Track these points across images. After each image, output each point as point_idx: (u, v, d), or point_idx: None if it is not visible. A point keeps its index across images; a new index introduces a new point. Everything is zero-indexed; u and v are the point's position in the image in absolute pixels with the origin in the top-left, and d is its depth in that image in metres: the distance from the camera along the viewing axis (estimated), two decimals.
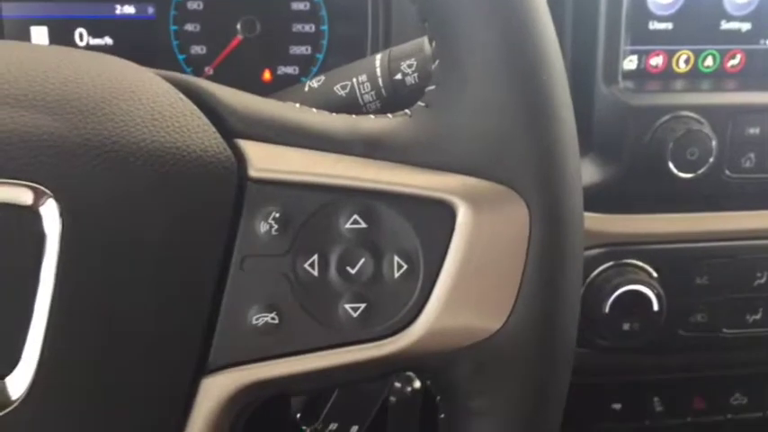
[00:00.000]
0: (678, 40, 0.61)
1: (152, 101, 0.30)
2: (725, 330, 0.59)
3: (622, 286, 0.55)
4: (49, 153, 0.27)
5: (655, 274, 0.57)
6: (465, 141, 0.32)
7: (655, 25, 0.60)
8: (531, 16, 0.32)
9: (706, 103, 0.58)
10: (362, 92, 0.47)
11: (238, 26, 0.64)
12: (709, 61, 0.62)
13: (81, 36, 0.63)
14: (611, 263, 0.57)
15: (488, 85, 0.32)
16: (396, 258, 0.32)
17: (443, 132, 0.32)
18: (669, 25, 0.60)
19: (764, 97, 0.59)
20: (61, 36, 0.63)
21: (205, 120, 0.31)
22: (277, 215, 0.30)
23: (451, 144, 0.32)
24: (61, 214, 0.27)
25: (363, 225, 0.31)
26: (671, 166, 0.55)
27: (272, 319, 0.30)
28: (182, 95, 0.31)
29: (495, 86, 0.32)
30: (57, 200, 0.27)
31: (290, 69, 0.67)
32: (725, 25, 0.61)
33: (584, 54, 0.57)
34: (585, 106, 0.58)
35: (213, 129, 0.31)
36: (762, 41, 0.62)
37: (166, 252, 0.29)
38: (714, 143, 0.56)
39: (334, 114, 0.34)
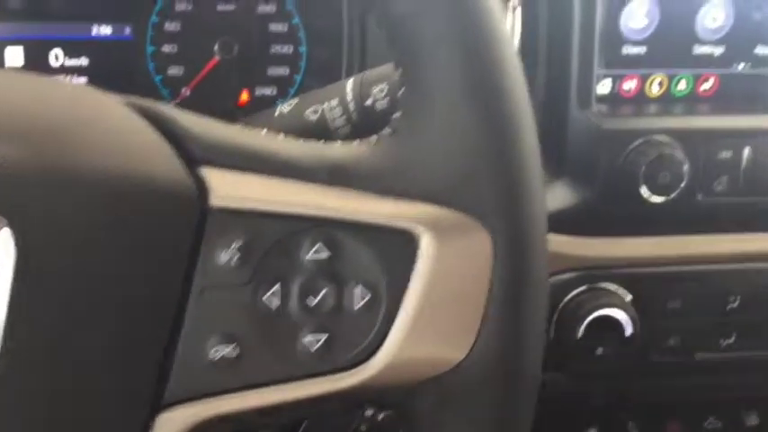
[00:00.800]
0: (651, 63, 0.61)
1: (114, 128, 0.30)
2: (698, 355, 0.60)
3: (595, 311, 0.55)
4: (5, 180, 0.27)
5: (628, 298, 0.57)
6: (429, 170, 0.32)
7: (628, 49, 0.61)
8: (495, 45, 0.32)
9: (679, 127, 0.58)
10: (333, 117, 0.47)
11: (216, 47, 0.65)
12: (682, 85, 0.62)
13: (57, 57, 0.63)
14: (584, 287, 0.57)
15: (452, 113, 0.32)
16: (358, 288, 0.31)
17: (408, 160, 0.32)
18: (642, 49, 0.61)
19: (737, 121, 0.59)
20: (37, 56, 0.62)
21: (168, 147, 0.31)
22: (239, 245, 0.30)
23: (416, 172, 0.32)
24: (16, 243, 0.27)
25: (326, 255, 0.31)
26: (643, 189, 0.56)
27: (232, 350, 0.30)
28: (145, 122, 0.31)
29: (459, 115, 0.32)
30: (11, 228, 0.27)
31: (267, 90, 0.67)
32: (698, 49, 0.62)
33: (558, 78, 0.58)
34: (559, 130, 0.58)
35: (176, 156, 0.30)
36: (735, 65, 0.62)
37: (123, 282, 0.29)
38: (686, 167, 0.56)
39: (299, 141, 0.34)
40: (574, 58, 0.57)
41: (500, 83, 0.32)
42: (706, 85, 0.63)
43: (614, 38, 0.60)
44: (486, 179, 0.32)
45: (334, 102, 0.47)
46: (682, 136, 0.57)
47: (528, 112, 0.33)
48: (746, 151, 0.59)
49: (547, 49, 0.57)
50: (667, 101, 0.62)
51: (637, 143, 0.57)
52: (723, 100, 0.63)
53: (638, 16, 0.59)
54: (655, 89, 0.62)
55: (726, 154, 0.58)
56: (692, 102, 0.62)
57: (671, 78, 0.62)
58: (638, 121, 0.58)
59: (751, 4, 0.61)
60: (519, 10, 0.56)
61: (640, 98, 0.62)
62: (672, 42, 0.61)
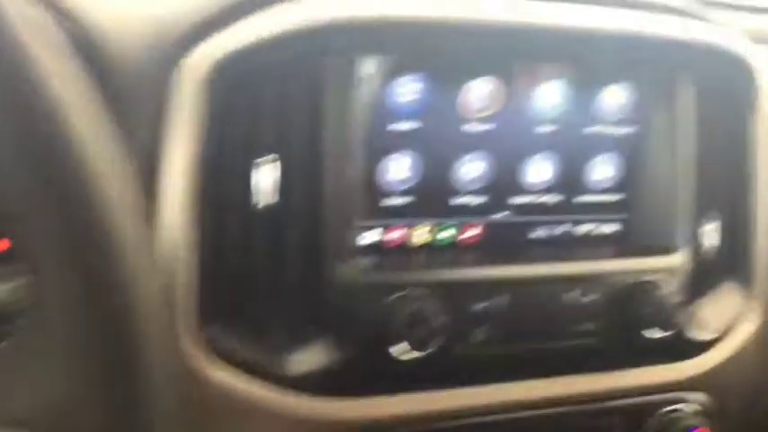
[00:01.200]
0: (415, 214, 0.62)
1: None
2: None
3: None
4: None
5: None
6: None
7: (389, 201, 0.61)
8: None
9: (435, 279, 0.58)
10: None
11: None
12: (446, 234, 0.63)
13: None
14: None
15: None
16: None
17: None
18: (405, 200, 0.61)
19: (495, 271, 0.60)
20: None
21: None
22: None
23: None
24: None
25: None
26: (400, 346, 0.55)
27: None
28: None
29: None
30: None
31: None
32: (460, 199, 0.63)
33: (313, 234, 0.57)
34: (317, 286, 0.57)
35: None
36: (495, 214, 0.64)
37: None
38: (444, 319, 0.56)
39: None
40: (329, 213, 0.56)
41: None
42: (470, 233, 0.64)
43: (374, 191, 0.60)
44: None
45: None
46: (439, 288, 0.58)
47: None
48: (504, 300, 0.60)
49: (300, 205, 0.56)
50: (432, 250, 0.63)
51: (395, 297, 0.56)
52: (487, 248, 0.64)
53: (398, 169, 0.60)
54: (420, 238, 0.63)
55: (484, 304, 0.59)
56: (456, 251, 0.63)
57: (435, 228, 0.63)
58: (398, 275, 0.58)
59: (508, 157, 0.63)
60: (269, 167, 0.55)
61: (405, 249, 0.62)
62: (434, 193, 0.62)
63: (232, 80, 0.53)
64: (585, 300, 0.61)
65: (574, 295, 0.61)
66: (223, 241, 0.55)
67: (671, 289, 0.64)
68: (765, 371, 0.75)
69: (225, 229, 0.55)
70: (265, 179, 0.55)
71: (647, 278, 0.63)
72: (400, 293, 0.56)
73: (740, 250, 0.71)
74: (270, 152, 0.55)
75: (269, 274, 0.57)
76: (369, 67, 0.57)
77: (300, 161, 0.56)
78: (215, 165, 0.53)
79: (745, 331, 0.71)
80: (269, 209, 0.55)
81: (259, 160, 0.55)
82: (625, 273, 0.63)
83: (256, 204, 0.55)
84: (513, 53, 0.60)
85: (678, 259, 0.65)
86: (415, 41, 0.56)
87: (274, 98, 0.55)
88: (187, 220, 0.52)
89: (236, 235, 0.55)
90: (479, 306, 0.59)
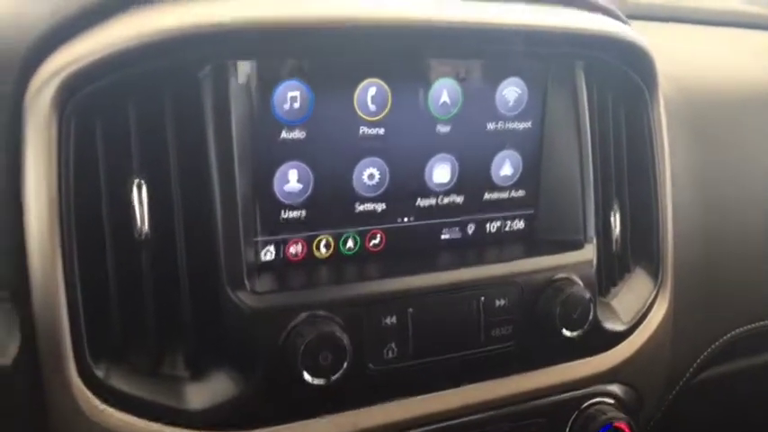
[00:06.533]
0: (315, 225, 0.59)
1: None
2: None
3: None
4: None
5: None
6: None
7: (286, 214, 0.57)
8: None
9: (342, 296, 0.55)
10: None
11: None
12: (350, 243, 0.60)
13: None
14: None
15: None
16: None
17: None
18: (303, 212, 0.58)
19: (404, 282, 0.58)
20: None
21: None
22: None
23: None
24: None
25: None
26: (305, 374, 0.51)
27: None
28: None
29: None
30: None
31: None
32: (360, 207, 0.60)
33: (205, 257, 0.52)
34: (214, 314, 0.53)
35: None
36: (399, 220, 0.62)
37: None
38: (347, 342, 0.53)
39: None
40: (220, 234, 0.52)
41: None
42: (374, 241, 0.61)
43: (271, 204, 0.56)
44: None
45: None
46: (345, 306, 0.54)
47: None
48: (415, 311, 0.57)
49: (188, 228, 0.52)
50: (337, 261, 0.60)
51: (296, 321, 0.53)
52: (394, 254, 0.61)
53: (291, 179, 0.57)
54: (323, 250, 0.59)
55: (394, 318, 0.56)
56: (362, 260, 0.60)
57: (338, 238, 0.60)
58: (299, 296, 0.54)
59: (407, 159, 0.61)
60: (144, 190, 0.51)
61: (309, 261, 0.59)
62: (333, 203, 0.59)
63: (89, 98, 0.48)
64: (499, 303, 0.59)
65: (487, 300, 0.59)
66: (105, 273, 0.50)
67: (583, 284, 0.63)
68: (676, 354, 0.76)
69: (106, 261, 0.50)
70: (144, 204, 0.51)
71: (558, 275, 0.62)
72: (305, 315, 0.53)
73: (646, 237, 0.71)
74: (145, 174, 0.51)
75: (160, 304, 0.52)
76: (246, 74, 0.53)
77: (182, 180, 0.52)
78: (83, 193, 0.49)
79: (656, 317, 0.71)
80: (152, 235, 0.51)
81: (135, 184, 0.50)
82: (536, 272, 0.62)
83: (138, 231, 0.50)
84: (401, 53, 0.58)
85: (587, 253, 0.64)
86: (293, 44, 0.52)
87: (143, 115, 0.50)
88: (57, 256, 0.47)
89: (119, 266, 0.50)
90: (389, 320, 0.56)
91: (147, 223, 0.50)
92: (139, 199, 0.50)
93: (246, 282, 0.53)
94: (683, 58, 0.89)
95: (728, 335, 0.82)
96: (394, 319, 0.56)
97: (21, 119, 0.48)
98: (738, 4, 1.24)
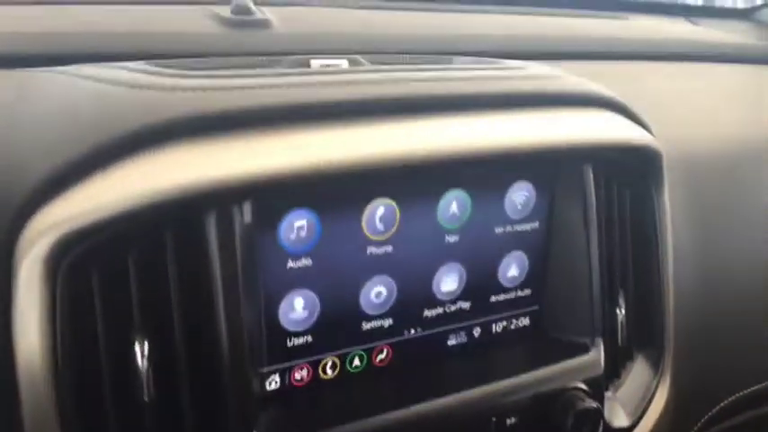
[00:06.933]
0: (321, 348, 0.56)
1: None
2: None
3: None
4: None
5: None
6: None
7: (294, 341, 0.55)
8: None
9: (350, 426, 0.53)
10: None
11: None
12: (357, 361, 0.58)
13: None
14: None
15: None
16: None
17: None
18: (309, 337, 0.55)
19: (408, 410, 0.55)
20: None
21: None
22: None
23: None
24: None
25: None
26: None
27: None
28: None
29: None
30: None
31: None
32: (367, 325, 0.58)
33: (212, 402, 0.50)
34: None
35: None
36: (405, 332, 0.60)
37: None
38: None
39: None
40: (225, 374, 0.49)
41: None
42: (381, 356, 0.59)
43: (276, 332, 0.54)
44: None
45: None
46: None
47: None
48: None
49: (191, 382, 0.49)
50: (344, 380, 0.58)
51: None
52: (402, 367, 0.59)
53: (296, 309, 0.54)
54: (329, 372, 0.57)
55: None
56: (369, 377, 0.58)
57: (344, 357, 0.58)
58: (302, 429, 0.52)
59: (415, 273, 0.58)
60: (146, 347, 0.47)
61: (315, 384, 0.57)
62: (339, 324, 0.56)
63: (86, 253, 0.45)
64: (510, 422, 0.58)
65: (498, 420, 0.58)
66: None
67: (592, 390, 0.62)
68: (675, 422, 0.76)
69: (108, 429, 0.47)
70: (147, 363, 0.47)
71: (568, 385, 0.61)
72: None
73: (649, 324, 0.70)
74: (148, 330, 0.47)
75: None
76: (252, 211, 0.50)
77: (187, 330, 0.49)
78: (80, 356, 0.45)
79: (659, 405, 0.70)
80: (157, 395, 0.48)
81: (137, 342, 0.47)
82: (546, 381, 0.60)
83: (142, 393, 0.47)
84: (411, 175, 0.55)
85: (595, 356, 0.63)
86: (296, 184, 0.49)
87: (144, 265, 0.47)
88: (55, 427, 0.44)
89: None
90: None
91: (152, 383, 0.47)
92: (142, 358, 0.47)
93: (252, 421, 0.50)
94: (674, 113, 0.88)
95: (729, 399, 0.82)
96: None
97: (10, 274, 0.45)
98: (687, 32, 1.18)
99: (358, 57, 0.64)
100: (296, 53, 0.75)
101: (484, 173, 0.58)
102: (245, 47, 0.76)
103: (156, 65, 0.58)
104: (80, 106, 0.50)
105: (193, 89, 0.50)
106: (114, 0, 0.81)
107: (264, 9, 0.83)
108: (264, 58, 0.65)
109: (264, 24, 0.79)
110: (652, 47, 1.04)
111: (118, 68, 0.56)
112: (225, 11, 0.80)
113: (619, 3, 1.19)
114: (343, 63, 0.64)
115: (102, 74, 0.55)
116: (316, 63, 0.63)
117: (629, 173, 0.66)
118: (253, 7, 0.81)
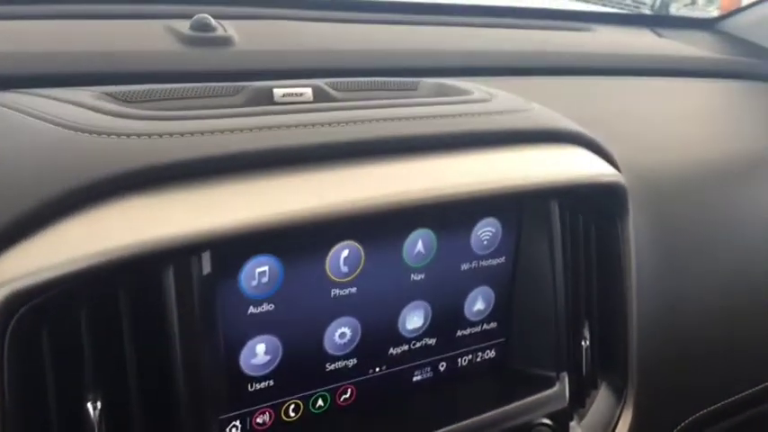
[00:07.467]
0: (284, 392, 0.55)
1: None
2: None
3: None
4: None
5: None
6: None
7: (255, 386, 0.53)
8: None
9: None
10: None
11: None
12: (320, 402, 0.57)
13: None
14: None
15: None
16: None
17: None
18: (271, 382, 0.54)
19: None
20: None
21: None
22: None
23: None
24: None
25: None
26: None
27: None
28: None
29: None
30: None
31: None
32: (330, 366, 0.57)
33: None
34: None
35: None
36: (370, 371, 0.59)
37: None
38: None
39: None
40: (184, 418, 0.48)
41: None
42: (345, 396, 0.58)
43: (236, 380, 0.52)
44: None
45: None
46: None
47: None
48: None
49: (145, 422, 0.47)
50: (306, 421, 0.56)
51: None
52: (366, 406, 0.58)
53: (257, 354, 0.53)
54: (291, 414, 0.56)
55: None
56: (333, 418, 0.57)
57: (306, 399, 0.56)
58: None
59: (380, 313, 0.57)
60: (99, 407, 0.45)
61: (278, 427, 0.55)
62: (302, 367, 0.55)
63: (36, 308, 0.43)
64: None
65: None
66: None
67: (557, 419, 0.62)
68: None
69: None
70: (100, 418, 0.46)
71: (533, 419, 0.61)
72: None
73: (614, 356, 0.70)
74: (100, 389, 0.46)
75: None
76: (211, 261, 0.48)
77: (142, 387, 0.47)
78: (30, 415, 0.43)
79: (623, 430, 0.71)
80: None
81: (90, 402, 0.45)
82: (512, 418, 0.60)
83: None
84: (370, 221, 0.53)
85: (560, 390, 0.63)
86: (258, 235, 0.48)
87: (97, 319, 0.45)
88: None
89: None
90: None
91: None
92: (95, 415, 0.45)
93: None
94: (638, 133, 0.88)
95: (690, 418, 0.83)
96: None
97: None
98: (652, 46, 1.17)
99: (321, 84, 0.63)
100: (258, 73, 0.73)
101: (450, 212, 0.57)
102: (205, 66, 0.74)
103: (109, 96, 0.55)
104: (24, 152, 0.48)
105: (148, 135, 0.48)
106: (68, 14, 0.78)
107: (226, 23, 0.81)
108: (225, 85, 0.63)
109: (225, 42, 0.77)
110: (617, 62, 1.04)
111: (66, 102, 0.54)
112: (184, 26, 0.78)
113: (584, 13, 1.19)
114: (307, 92, 0.62)
115: (49, 109, 0.52)
116: (278, 92, 0.61)
117: (594, 207, 0.66)
118: (213, 23, 0.78)
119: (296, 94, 0.61)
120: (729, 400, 0.86)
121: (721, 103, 1.08)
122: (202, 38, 0.77)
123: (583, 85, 0.97)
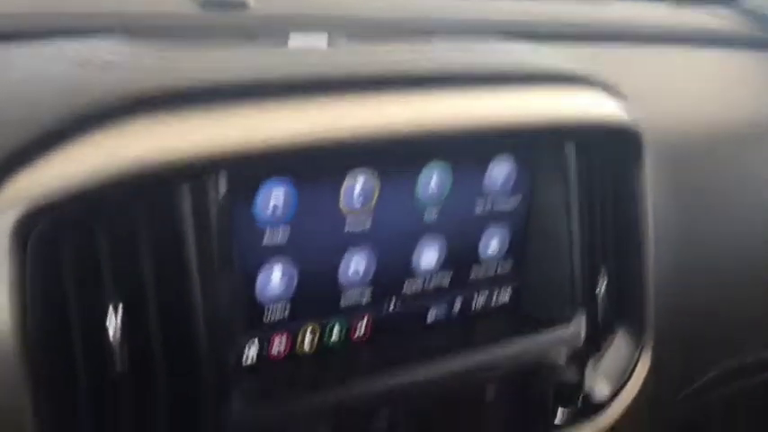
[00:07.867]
0: (299, 318, 0.56)
1: None
2: None
3: None
4: None
5: None
6: None
7: (271, 314, 0.54)
8: None
9: (329, 401, 0.53)
10: None
11: None
12: (335, 334, 0.58)
13: None
14: None
15: None
16: None
17: None
18: (287, 310, 0.55)
19: (391, 379, 0.55)
20: None
21: None
22: None
23: None
24: None
25: None
26: None
27: None
28: None
29: None
30: None
31: None
32: (346, 297, 0.57)
33: (186, 376, 0.49)
34: None
35: None
36: (385, 306, 0.59)
37: None
38: None
39: None
40: (201, 345, 0.49)
41: None
42: (360, 330, 0.59)
43: (253, 308, 0.53)
44: None
45: None
46: (332, 413, 0.52)
47: None
48: (404, 410, 0.55)
49: (164, 353, 0.48)
50: (322, 354, 0.57)
51: None
52: (381, 343, 0.59)
53: (273, 281, 0.54)
54: (307, 345, 0.57)
55: (384, 420, 0.54)
56: (349, 352, 0.58)
57: (322, 330, 0.57)
58: (281, 407, 0.52)
59: (395, 247, 0.58)
60: (120, 315, 0.47)
61: (293, 359, 0.56)
62: (318, 295, 0.56)
63: (54, 224, 0.44)
64: (490, 394, 0.58)
65: (477, 391, 0.58)
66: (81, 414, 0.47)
67: (573, 361, 0.62)
68: (657, 411, 0.76)
69: (78, 402, 0.46)
70: (120, 331, 0.47)
71: (548, 356, 0.61)
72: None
73: (630, 299, 0.70)
74: (120, 298, 0.47)
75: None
76: (227, 182, 0.49)
77: (159, 301, 0.48)
78: (51, 330, 0.45)
79: (640, 376, 0.70)
80: (130, 366, 0.47)
81: (110, 309, 0.46)
82: (526, 353, 0.60)
83: (115, 363, 0.47)
84: (385, 150, 0.54)
85: (575, 327, 0.63)
86: (274, 156, 0.49)
87: (114, 235, 0.46)
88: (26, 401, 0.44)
89: (95, 404, 0.47)
90: (380, 424, 0.54)
91: (125, 354, 0.47)
92: (115, 328, 0.46)
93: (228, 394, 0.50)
94: (658, 96, 0.88)
95: (710, 373, 0.83)
96: (385, 422, 0.54)
97: None
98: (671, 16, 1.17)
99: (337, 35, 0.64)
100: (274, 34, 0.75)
101: (466, 145, 0.58)
102: (221, 27, 0.76)
103: (130, 40, 0.57)
104: (48, 80, 0.49)
105: (167, 60, 0.49)
106: None
107: None
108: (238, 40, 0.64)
109: (241, 5, 0.79)
110: (636, 30, 1.04)
111: (87, 44, 0.56)
112: None
113: None
114: (323, 38, 0.63)
115: (70, 49, 0.54)
116: (294, 39, 0.62)
117: (611, 151, 0.66)
118: None
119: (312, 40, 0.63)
120: (746, 360, 0.86)
121: (740, 73, 1.08)
122: (218, 1, 0.78)
123: (601, 52, 0.97)
